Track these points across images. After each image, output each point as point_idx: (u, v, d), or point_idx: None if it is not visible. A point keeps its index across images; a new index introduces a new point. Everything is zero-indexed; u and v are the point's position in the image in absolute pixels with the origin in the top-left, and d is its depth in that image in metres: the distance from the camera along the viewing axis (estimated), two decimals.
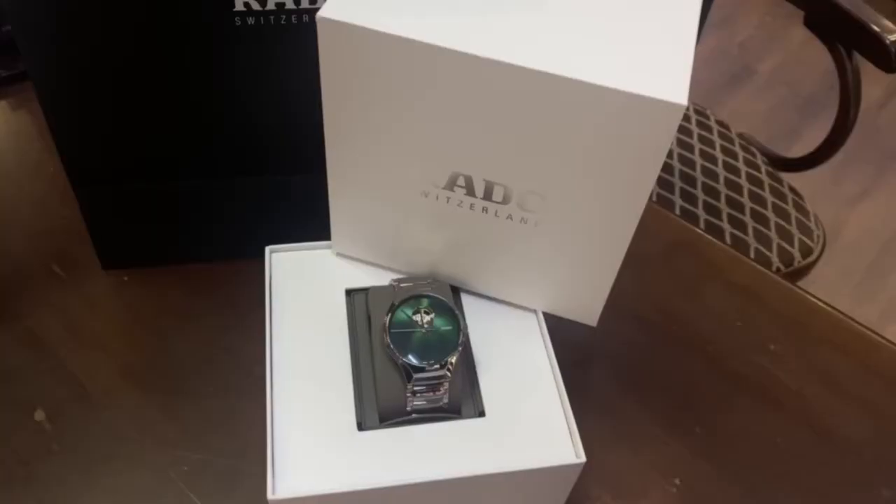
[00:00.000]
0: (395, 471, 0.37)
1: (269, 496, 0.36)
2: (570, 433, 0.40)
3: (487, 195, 0.39)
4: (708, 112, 1.11)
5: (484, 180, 0.38)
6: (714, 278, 0.59)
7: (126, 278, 0.54)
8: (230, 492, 0.45)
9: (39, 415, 0.48)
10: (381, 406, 0.39)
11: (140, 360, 0.50)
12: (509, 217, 0.40)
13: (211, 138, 0.48)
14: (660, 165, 0.35)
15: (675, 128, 0.33)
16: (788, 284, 0.59)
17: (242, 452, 0.46)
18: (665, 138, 0.33)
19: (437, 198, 0.40)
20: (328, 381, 0.41)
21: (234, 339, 0.51)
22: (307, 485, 0.37)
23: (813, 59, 1.87)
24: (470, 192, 0.39)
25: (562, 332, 0.44)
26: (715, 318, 0.56)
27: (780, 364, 0.54)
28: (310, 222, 0.46)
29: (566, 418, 0.40)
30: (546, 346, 0.43)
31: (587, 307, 0.44)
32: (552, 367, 0.42)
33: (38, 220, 0.57)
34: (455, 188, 0.39)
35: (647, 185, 0.36)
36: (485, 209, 0.40)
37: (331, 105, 0.37)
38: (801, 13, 0.91)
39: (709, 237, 0.62)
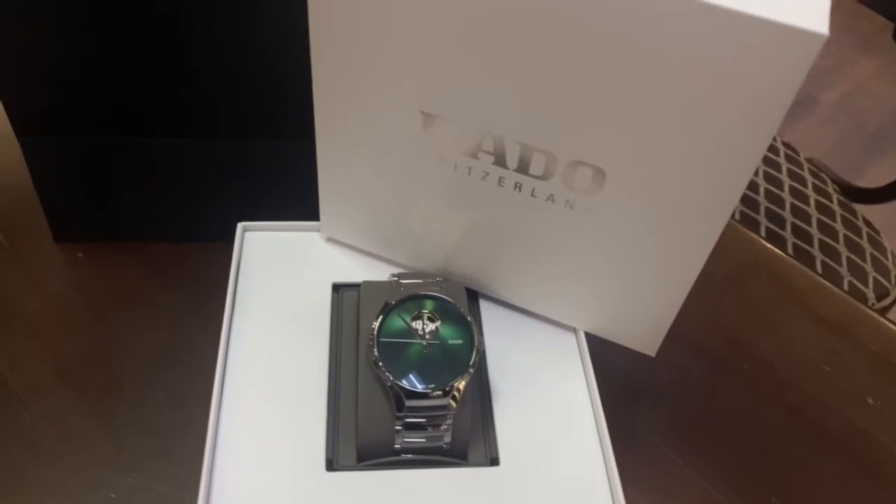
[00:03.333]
0: None
1: None
2: (613, 498, 0.34)
3: (523, 166, 0.33)
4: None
5: (519, 144, 0.32)
6: (797, 309, 0.53)
7: (80, 254, 0.50)
8: None
9: None
10: (360, 440, 0.35)
11: (80, 354, 0.45)
12: (550, 198, 0.34)
13: (180, 88, 0.43)
14: (775, 129, 0.28)
15: (807, 70, 0.25)
16: (891, 324, 0.52)
17: (187, 480, 0.40)
18: (792, 84, 0.26)
19: (456, 167, 0.34)
20: (296, 401, 0.36)
21: (196, 337, 0.45)
22: None
23: (881, 93, 1.83)
24: (500, 160, 0.33)
25: (605, 361, 0.39)
26: (797, 358, 0.50)
27: (882, 423, 0.47)
28: (300, 200, 0.41)
29: (608, 478, 0.35)
30: (587, 378, 0.38)
31: (646, 330, 0.38)
32: (593, 406, 0.37)
33: None
34: (480, 154, 0.33)
35: (753, 157, 0.29)
36: (518, 186, 0.34)
37: (320, 46, 0.33)
38: (869, 43, 0.84)
39: (792, 260, 0.56)
